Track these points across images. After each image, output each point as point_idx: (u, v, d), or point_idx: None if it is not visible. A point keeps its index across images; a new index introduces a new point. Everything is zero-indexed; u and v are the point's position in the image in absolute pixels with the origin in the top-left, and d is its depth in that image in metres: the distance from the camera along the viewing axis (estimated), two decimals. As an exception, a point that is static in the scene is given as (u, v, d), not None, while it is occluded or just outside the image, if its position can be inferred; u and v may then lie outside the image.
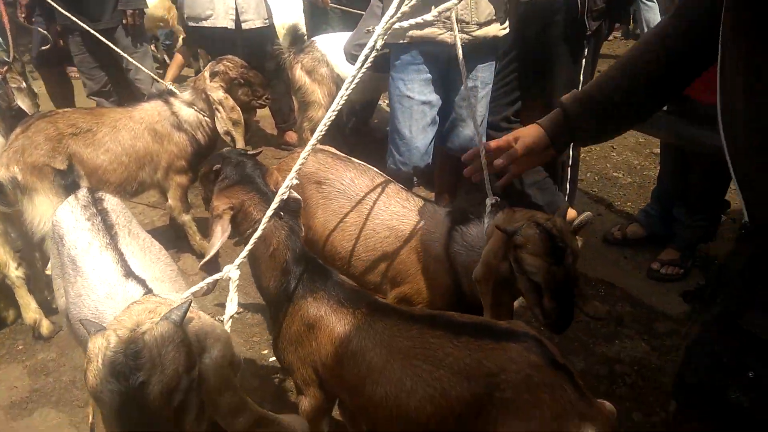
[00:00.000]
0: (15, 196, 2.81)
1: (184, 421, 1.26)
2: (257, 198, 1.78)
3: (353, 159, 2.37)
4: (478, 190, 3.88)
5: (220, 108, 3.22)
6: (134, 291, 1.64)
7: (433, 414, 1.46)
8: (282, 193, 1.61)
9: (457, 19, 2.16)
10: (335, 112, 1.53)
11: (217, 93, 3.24)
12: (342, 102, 1.54)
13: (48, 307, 3.13)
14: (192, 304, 1.33)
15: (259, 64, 4.09)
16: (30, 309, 2.99)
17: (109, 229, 1.88)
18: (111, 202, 2.07)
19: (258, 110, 4.79)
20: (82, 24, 3.57)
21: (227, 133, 3.23)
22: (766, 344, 1.25)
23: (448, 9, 1.65)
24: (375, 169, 2.33)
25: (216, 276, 1.60)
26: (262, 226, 1.59)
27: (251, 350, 2.85)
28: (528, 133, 1.66)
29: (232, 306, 1.61)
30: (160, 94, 3.38)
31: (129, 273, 1.71)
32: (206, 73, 3.28)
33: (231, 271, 1.60)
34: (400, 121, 2.90)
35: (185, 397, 1.24)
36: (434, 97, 2.88)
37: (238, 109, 3.28)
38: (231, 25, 4.28)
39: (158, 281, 1.76)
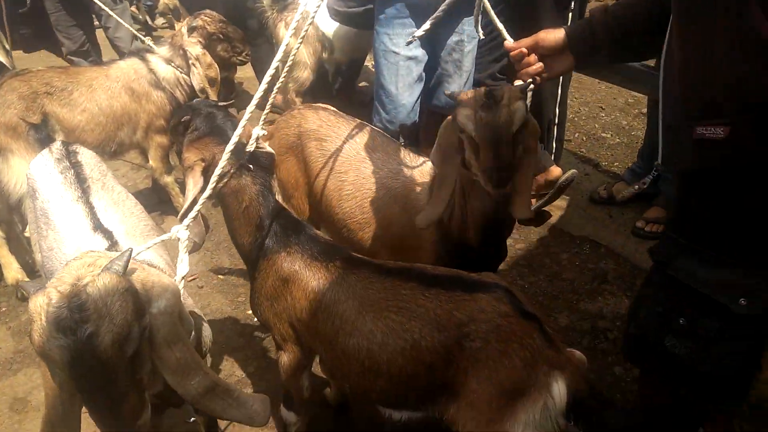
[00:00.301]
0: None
1: (140, 372, 1.23)
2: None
3: (355, 118, 2.31)
4: None
5: (196, 64, 3.13)
6: (102, 245, 1.61)
7: (405, 365, 1.46)
8: (235, 141, 1.58)
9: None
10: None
11: (195, 48, 3.16)
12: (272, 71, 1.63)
13: (30, 270, 3.11)
14: (134, 256, 1.31)
15: (241, 22, 3.98)
16: (12, 269, 2.96)
17: (81, 182, 1.84)
18: (85, 155, 2.01)
19: (242, 71, 4.73)
20: None
21: (202, 90, 3.16)
22: (693, 291, 1.29)
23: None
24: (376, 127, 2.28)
25: (164, 236, 1.56)
26: (214, 181, 1.57)
27: (236, 310, 2.85)
28: (547, 33, 1.69)
29: (182, 267, 1.55)
30: (137, 51, 3.29)
31: (98, 226, 1.67)
32: (183, 29, 3.19)
33: (179, 232, 1.56)
34: (385, 78, 2.83)
35: (138, 348, 1.21)
36: (420, 52, 2.80)
37: (216, 66, 3.20)
38: None
39: (128, 236, 1.72)
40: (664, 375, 1.42)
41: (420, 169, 2.09)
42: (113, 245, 1.61)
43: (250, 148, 1.71)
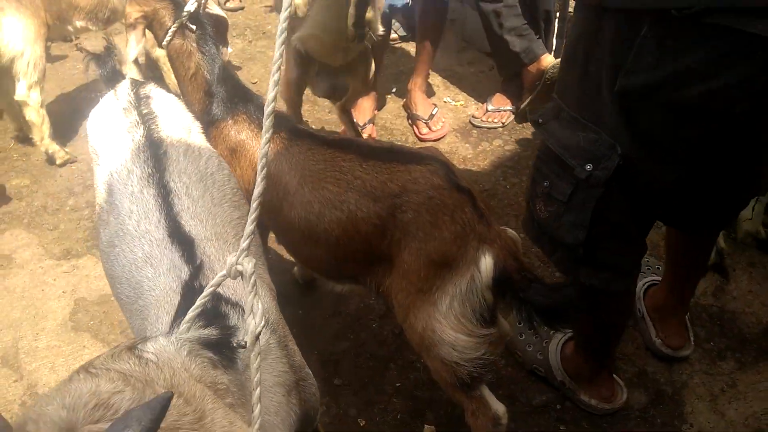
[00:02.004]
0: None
1: None
2: (171, 6, 1.69)
3: None
4: (463, 39, 3.68)
5: None
6: (179, 261, 1.16)
7: (341, 235, 1.47)
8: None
9: None
10: None
11: None
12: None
13: (23, 138, 3.13)
14: None
15: None
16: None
17: (155, 147, 1.34)
18: (161, 100, 1.50)
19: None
20: None
21: None
22: (556, 155, 1.32)
23: None
24: None
25: (219, 277, 0.93)
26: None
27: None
28: None
29: (256, 319, 0.89)
30: None
31: (176, 231, 1.21)
32: None
33: (240, 262, 0.91)
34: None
35: None
36: None
37: None
38: None
39: (212, 241, 1.23)
40: (540, 244, 1.45)
41: None
42: (193, 265, 1.14)
43: (191, 7, 1.65)
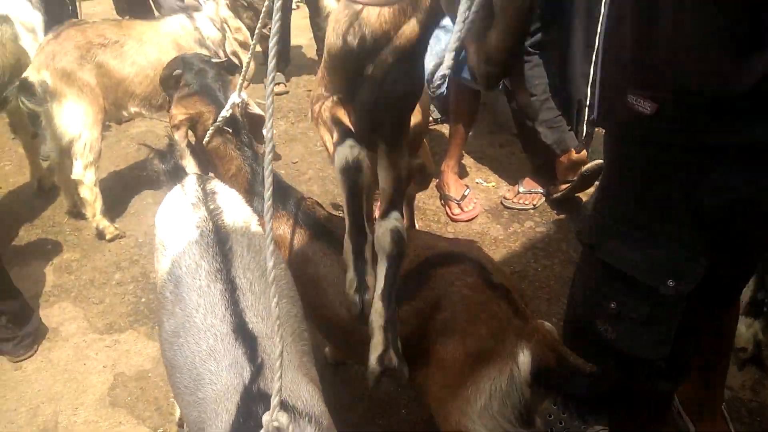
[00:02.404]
0: (44, 97, 2.90)
1: None
2: (215, 110, 1.76)
3: None
4: (495, 123, 3.79)
5: (225, 26, 3.23)
6: (242, 357, 1.20)
7: None
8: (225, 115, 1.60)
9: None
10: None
11: (223, 11, 3.26)
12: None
13: (76, 214, 3.31)
14: None
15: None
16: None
17: (222, 243, 1.39)
18: (224, 195, 1.56)
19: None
20: None
21: (234, 53, 3.24)
22: (623, 274, 1.28)
23: None
24: None
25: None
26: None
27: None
28: None
29: None
30: (185, 8, 3.40)
31: (240, 327, 1.24)
32: (215, -9, 3.29)
33: (275, 417, 0.96)
34: (413, 45, 2.80)
35: None
36: (449, 22, 2.75)
37: (245, 31, 3.27)
38: None
39: (272, 339, 1.25)
40: (600, 360, 1.42)
41: None
42: (254, 361, 1.19)
43: (225, 113, 1.71)
